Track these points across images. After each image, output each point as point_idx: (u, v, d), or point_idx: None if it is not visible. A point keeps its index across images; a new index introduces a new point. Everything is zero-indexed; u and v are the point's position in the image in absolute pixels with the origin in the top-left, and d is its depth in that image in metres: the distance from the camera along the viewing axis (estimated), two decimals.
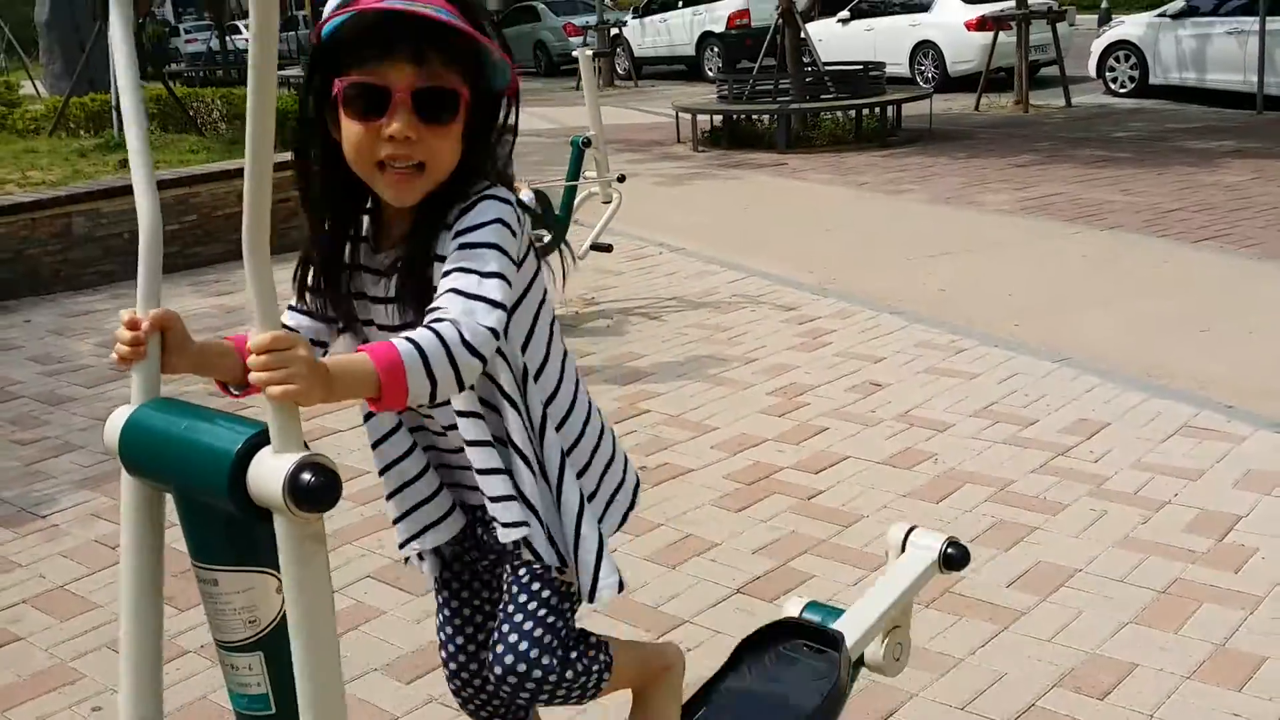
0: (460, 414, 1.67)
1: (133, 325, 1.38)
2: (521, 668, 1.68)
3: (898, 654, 2.24)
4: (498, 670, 1.69)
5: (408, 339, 1.37)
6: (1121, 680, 2.82)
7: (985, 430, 4.41)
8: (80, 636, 3.21)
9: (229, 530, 1.26)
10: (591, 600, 1.75)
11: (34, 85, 16.97)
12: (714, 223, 8.78)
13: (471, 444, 1.67)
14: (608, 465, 1.82)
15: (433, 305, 1.46)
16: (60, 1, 14.30)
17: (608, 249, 6.52)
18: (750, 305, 6.32)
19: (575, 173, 6.29)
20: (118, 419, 1.37)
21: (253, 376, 1.22)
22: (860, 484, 3.99)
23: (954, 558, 2.35)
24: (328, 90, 1.53)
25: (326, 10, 1.55)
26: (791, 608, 2.26)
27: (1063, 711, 2.71)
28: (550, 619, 1.71)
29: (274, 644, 1.30)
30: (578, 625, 1.81)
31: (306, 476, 1.16)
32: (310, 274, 1.64)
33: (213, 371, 1.51)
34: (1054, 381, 4.90)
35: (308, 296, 1.66)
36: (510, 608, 1.73)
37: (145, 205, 1.38)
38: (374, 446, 1.81)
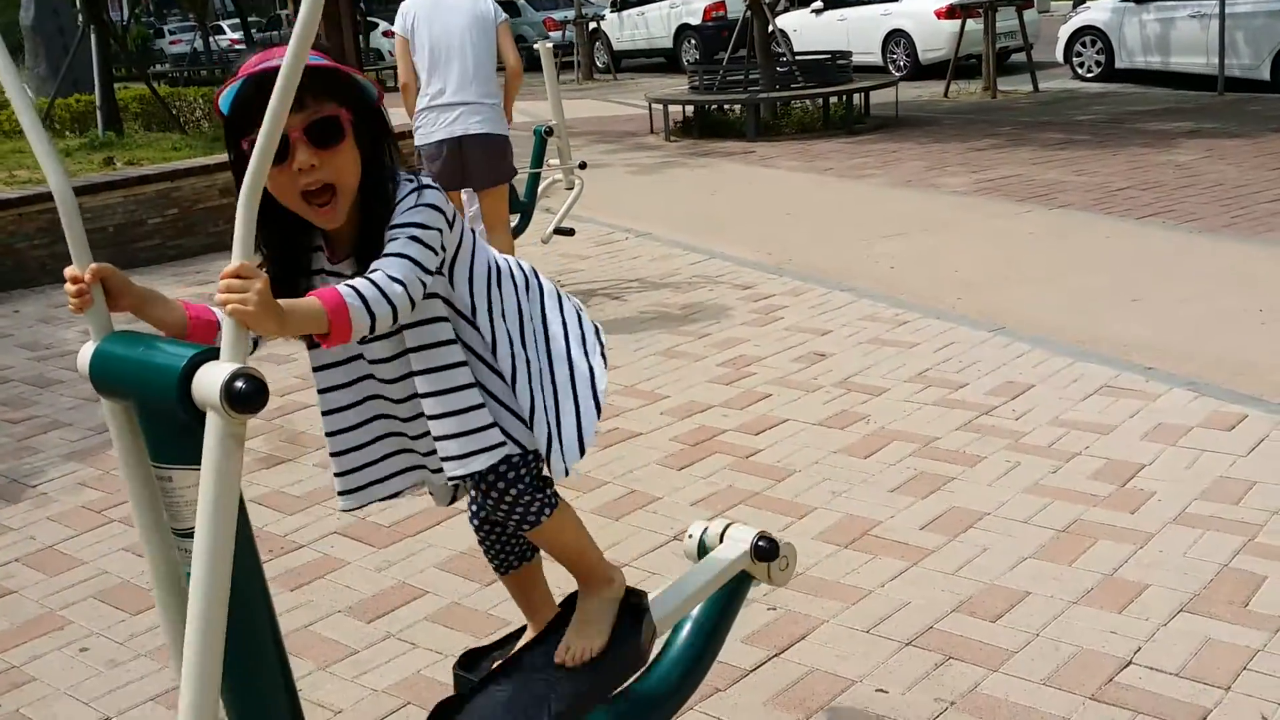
0: (414, 351, 2.01)
1: (75, 279, 1.68)
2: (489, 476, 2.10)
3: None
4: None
5: (348, 285, 1.73)
6: (1014, 605, 3.12)
7: (917, 394, 4.70)
8: (68, 589, 3.50)
9: (180, 435, 1.55)
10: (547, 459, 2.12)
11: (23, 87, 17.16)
12: (680, 209, 9.07)
13: (425, 392, 2.01)
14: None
15: (374, 265, 1.83)
16: (44, 5, 14.54)
17: (570, 233, 6.81)
18: (709, 285, 6.61)
19: (539, 160, 6.59)
20: (86, 351, 1.67)
21: (218, 296, 1.53)
22: (796, 443, 4.28)
23: (764, 550, 2.48)
24: (242, 152, 1.83)
25: (219, 91, 1.87)
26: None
27: (956, 632, 3.01)
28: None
29: None
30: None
31: (239, 384, 1.46)
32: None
33: (149, 312, 1.78)
34: (987, 349, 5.19)
35: None
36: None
37: (51, 173, 1.65)
38: (324, 414, 2.11)
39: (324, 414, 2.11)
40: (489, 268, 2.09)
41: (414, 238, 1.84)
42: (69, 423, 4.91)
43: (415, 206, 1.88)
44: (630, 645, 2.25)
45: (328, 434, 2.12)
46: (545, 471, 2.18)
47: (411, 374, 2.02)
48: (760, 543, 2.46)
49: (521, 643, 2.35)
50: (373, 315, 1.72)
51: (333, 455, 2.12)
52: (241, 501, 1.69)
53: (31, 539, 3.85)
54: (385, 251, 1.83)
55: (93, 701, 2.92)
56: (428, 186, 1.92)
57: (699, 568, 2.46)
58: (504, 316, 2.09)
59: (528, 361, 2.11)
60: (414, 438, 2.12)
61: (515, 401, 2.09)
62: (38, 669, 3.08)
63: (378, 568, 3.52)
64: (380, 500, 2.17)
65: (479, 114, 5.50)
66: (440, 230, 1.89)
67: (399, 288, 1.76)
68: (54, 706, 2.92)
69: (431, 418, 2.02)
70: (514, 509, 2.12)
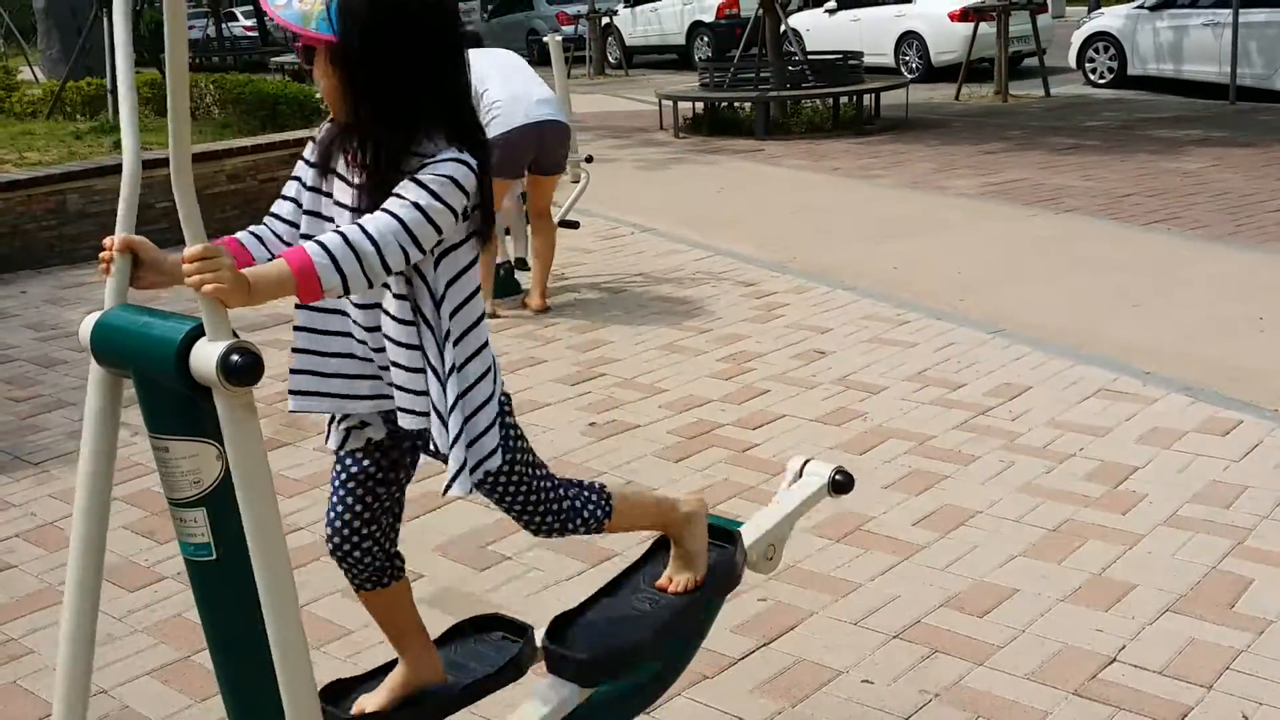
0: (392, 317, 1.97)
1: (108, 245, 1.73)
2: (544, 524, 2.19)
3: (770, 554, 2.58)
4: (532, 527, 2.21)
5: (318, 242, 1.72)
6: (1001, 602, 3.15)
7: (915, 393, 4.73)
8: (67, 565, 3.53)
9: (177, 406, 1.59)
10: (449, 487, 2.01)
11: (32, 70, 17.26)
12: (686, 205, 9.10)
13: (392, 337, 1.96)
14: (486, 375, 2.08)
15: (364, 218, 1.81)
16: None
17: (575, 225, 6.84)
18: (712, 281, 6.64)
19: None
20: (88, 321, 1.71)
21: (186, 280, 1.55)
22: (793, 439, 4.31)
23: (841, 483, 2.71)
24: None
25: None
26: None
27: (944, 627, 3.04)
28: (533, 500, 2.16)
29: (215, 501, 1.64)
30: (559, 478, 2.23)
31: (235, 358, 1.50)
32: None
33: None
34: (987, 350, 5.22)
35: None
36: (500, 505, 2.18)
37: (129, 144, 1.70)
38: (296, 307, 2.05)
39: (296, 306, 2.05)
40: (473, 282, 2.03)
41: (417, 204, 1.80)
42: (72, 402, 4.95)
43: (443, 176, 1.83)
44: (723, 567, 2.41)
45: (294, 327, 2.06)
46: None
47: (381, 309, 1.97)
48: (838, 477, 2.69)
49: (396, 677, 2.27)
50: (343, 274, 1.70)
51: (293, 350, 2.07)
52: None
53: (32, 515, 3.89)
54: (384, 205, 1.81)
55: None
56: (464, 162, 1.87)
57: (784, 496, 2.66)
58: (465, 327, 2.01)
59: (457, 368, 2.01)
60: (382, 367, 2.04)
61: (442, 402, 1.99)
62: (35, 642, 3.12)
63: None
64: (323, 412, 2.09)
65: (554, 105, 5.86)
66: (454, 210, 1.85)
67: (371, 247, 1.73)
68: (51, 679, 2.94)
69: (394, 364, 1.98)
70: (579, 527, 2.21)
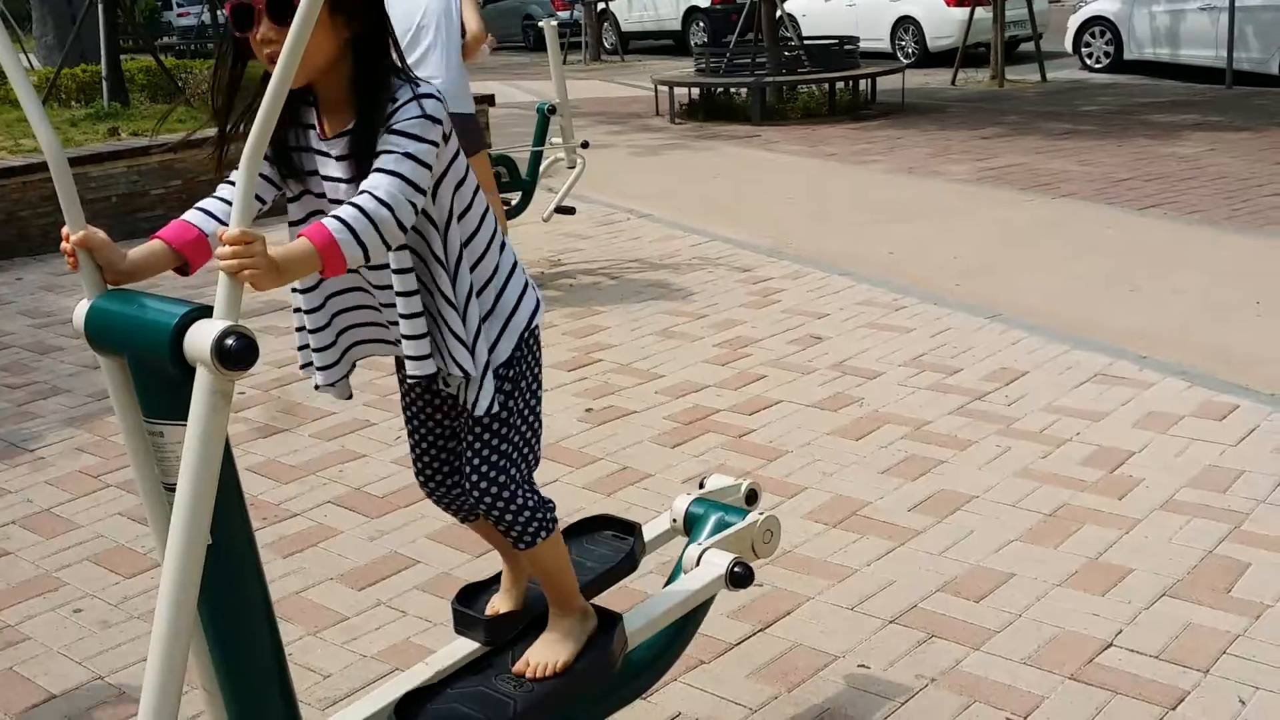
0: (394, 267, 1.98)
1: (66, 239, 1.71)
2: (483, 485, 2.09)
3: (767, 538, 2.55)
4: (470, 481, 2.10)
5: (335, 217, 1.73)
6: (997, 586, 3.15)
7: (912, 378, 4.73)
8: (63, 551, 3.53)
9: (171, 391, 1.58)
10: (473, 411, 2.06)
11: (26, 57, 17.18)
12: (683, 191, 9.08)
13: (399, 291, 1.97)
14: (508, 290, 2.11)
15: (364, 184, 1.81)
16: None
17: (571, 211, 6.83)
18: (708, 267, 6.63)
19: (541, 139, 6.60)
20: (81, 308, 1.70)
21: (222, 263, 1.55)
22: (789, 424, 4.31)
23: (740, 575, 2.43)
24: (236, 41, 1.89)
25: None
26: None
27: (940, 611, 3.04)
28: (500, 462, 2.09)
29: None
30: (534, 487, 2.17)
31: (230, 341, 1.49)
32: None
33: (152, 273, 1.81)
34: (983, 335, 5.21)
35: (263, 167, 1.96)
36: (472, 441, 2.10)
37: (44, 137, 1.66)
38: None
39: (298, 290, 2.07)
40: (472, 187, 2.05)
41: (408, 154, 1.82)
42: (68, 389, 4.94)
43: (416, 117, 1.84)
44: (598, 655, 2.19)
45: (296, 310, 2.08)
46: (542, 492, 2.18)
47: (390, 268, 1.98)
48: (736, 569, 2.40)
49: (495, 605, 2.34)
50: (363, 245, 1.73)
51: (298, 330, 2.09)
52: (234, 467, 1.72)
53: (29, 501, 3.89)
54: (377, 165, 1.81)
55: (85, 661, 2.96)
56: (428, 95, 1.88)
57: (672, 590, 2.41)
58: (472, 234, 2.04)
59: (471, 290, 2.04)
60: (391, 322, 2.06)
61: (462, 327, 2.01)
62: (32, 628, 3.12)
63: (370, 537, 3.56)
64: (344, 373, 2.12)
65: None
66: (436, 144, 1.87)
67: (386, 212, 1.76)
68: (47, 665, 2.96)
69: (405, 316, 1.99)
70: (514, 525, 2.11)
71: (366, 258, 1.75)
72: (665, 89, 13.37)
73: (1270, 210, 7.50)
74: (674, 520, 2.59)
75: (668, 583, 2.52)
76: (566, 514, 3.56)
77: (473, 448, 2.10)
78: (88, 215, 1.72)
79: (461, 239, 2.01)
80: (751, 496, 2.67)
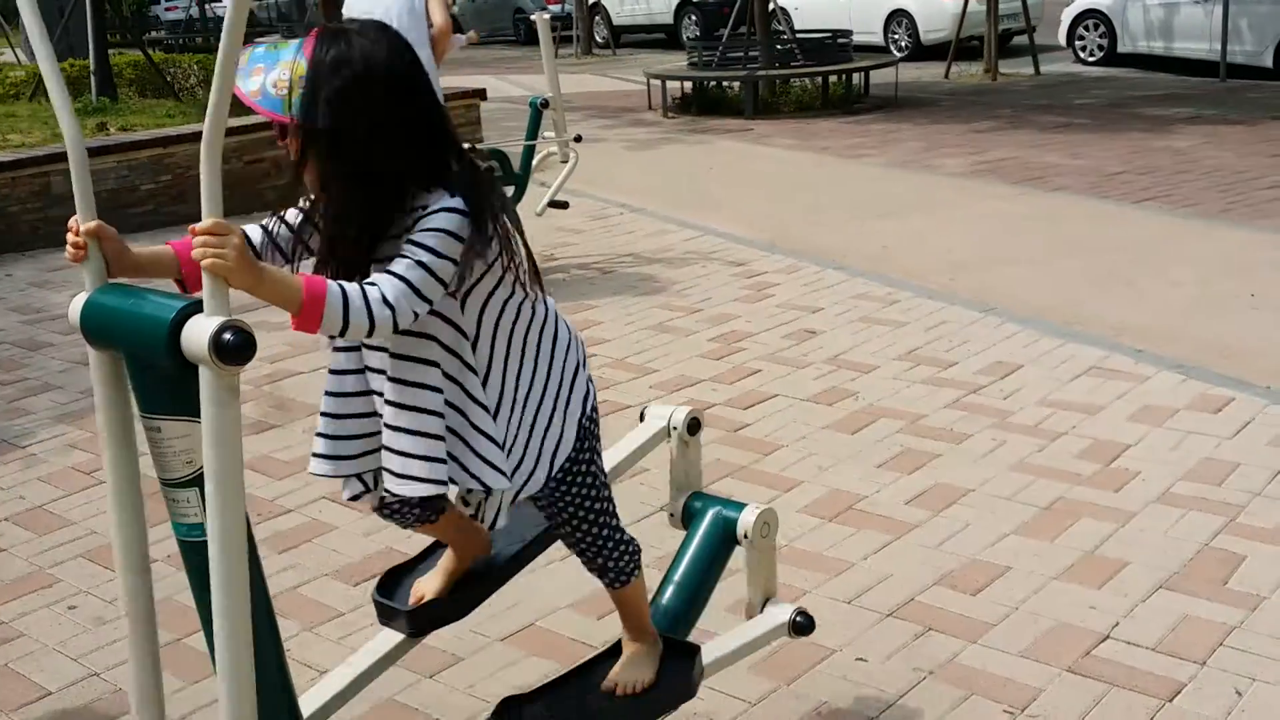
0: (401, 360, 1.95)
1: (74, 231, 1.70)
2: (586, 540, 2.19)
3: (765, 532, 2.55)
4: (572, 540, 2.20)
5: (341, 285, 1.72)
6: (994, 580, 3.15)
7: (907, 372, 4.72)
8: (57, 548, 3.52)
9: (169, 386, 1.57)
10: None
11: (14, 53, 17.10)
12: (676, 185, 9.06)
13: (391, 400, 1.95)
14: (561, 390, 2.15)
15: (377, 278, 1.80)
16: None
17: (564, 206, 6.81)
18: (702, 261, 6.61)
19: (533, 133, 6.58)
20: (78, 301, 1.68)
21: (195, 253, 1.54)
22: (784, 419, 4.30)
23: (802, 625, 2.58)
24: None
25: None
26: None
27: (937, 605, 3.03)
28: (596, 518, 2.18)
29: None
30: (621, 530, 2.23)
31: (227, 335, 1.48)
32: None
33: (152, 274, 1.80)
34: (978, 329, 5.21)
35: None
36: (567, 504, 2.17)
37: (68, 128, 1.66)
38: (329, 372, 2.08)
39: (329, 371, 2.08)
40: (524, 313, 2.06)
41: (422, 263, 1.81)
42: (59, 385, 4.92)
43: (436, 230, 1.83)
44: (680, 678, 2.31)
45: (326, 392, 2.08)
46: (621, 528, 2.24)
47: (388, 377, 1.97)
48: (798, 619, 2.54)
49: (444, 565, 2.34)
50: (347, 322, 1.71)
51: (321, 414, 2.09)
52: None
53: (21, 499, 3.87)
54: (392, 267, 1.80)
55: (80, 658, 2.95)
56: (454, 210, 1.85)
57: (745, 627, 2.57)
58: (508, 348, 2.04)
59: (516, 396, 2.04)
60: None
61: (495, 430, 2.00)
62: (26, 625, 3.11)
63: (365, 533, 3.54)
64: (343, 476, 2.09)
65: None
66: (453, 260, 1.84)
67: (387, 312, 1.75)
68: (41, 661, 2.94)
69: (388, 426, 1.96)
70: (606, 570, 2.20)
71: (343, 333, 1.74)
72: (658, 83, 13.35)
73: (1265, 203, 7.51)
74: (671, 515, 2.63)
75: (685, 539, 2.56)
76: None
77: (567, 511, 2.16)
78: (75, 210, 1.71)
79: (502, 352, 2.02)
80: (694, 425, 2.67)
